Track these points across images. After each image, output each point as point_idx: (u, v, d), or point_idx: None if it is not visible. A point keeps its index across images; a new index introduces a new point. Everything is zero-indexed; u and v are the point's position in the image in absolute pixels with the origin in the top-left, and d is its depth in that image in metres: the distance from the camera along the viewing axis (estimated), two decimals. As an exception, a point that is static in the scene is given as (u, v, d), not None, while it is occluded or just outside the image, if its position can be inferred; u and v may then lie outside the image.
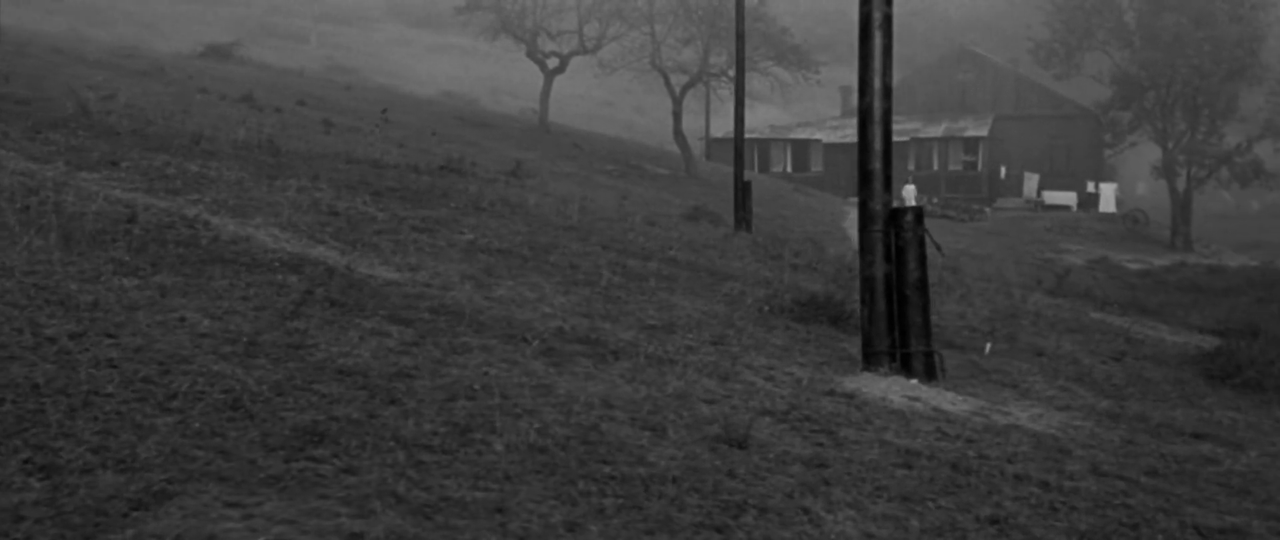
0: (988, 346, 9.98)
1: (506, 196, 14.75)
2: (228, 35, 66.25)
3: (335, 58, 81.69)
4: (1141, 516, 5.82)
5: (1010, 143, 54.61)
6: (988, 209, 51.23)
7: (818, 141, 55.31)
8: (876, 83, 8.00)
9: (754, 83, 50.65)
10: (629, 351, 7.64)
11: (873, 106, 8.03)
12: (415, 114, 48.85)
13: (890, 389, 7.85)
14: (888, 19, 8.01)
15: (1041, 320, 11.99)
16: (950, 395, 7.98)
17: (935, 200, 48.89)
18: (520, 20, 53.00)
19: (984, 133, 53.46)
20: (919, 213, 8.14)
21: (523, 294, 9.02)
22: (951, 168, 53.17)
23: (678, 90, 49.34)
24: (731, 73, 53.53)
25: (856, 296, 8.91)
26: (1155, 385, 9.61)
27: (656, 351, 7.76)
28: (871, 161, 8.03)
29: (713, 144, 57.77)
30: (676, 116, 49.57)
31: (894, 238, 8.03)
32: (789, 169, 55.54)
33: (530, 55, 53.69)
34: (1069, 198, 52.46)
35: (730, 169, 50.67)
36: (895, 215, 8.03)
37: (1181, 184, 48.12)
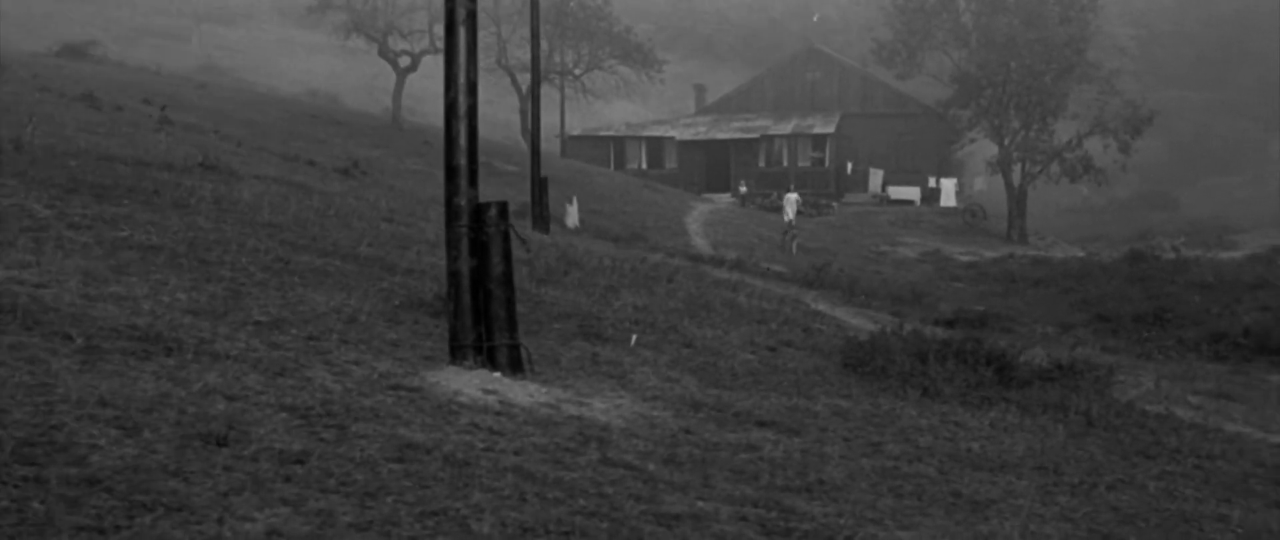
0: (634, 338, 10.05)
1: (228, 194, 14.45)
2: (106, 35, 64.07)
3: (214, 57, 79.84)
4: (610, 504, 5.85)
5: (857, 139, 55.65)
6: (835, 204, 52.05)
7: (671, 139, 55.62)
8: (461, 78, 7.96)
9: (598, 80, 50.90)
10: (191, 348, 7.49)
11: (458, 101, 7.98)
12: (265, 113, 48.01)
13: (469, 382, 7.82)
14: (472, 15, 7.97)
15: (731, 310, 12.10)
16: (532, 388, 7.98)
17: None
18: (371, 19, 52.82)
19: (831, 130, 54.40)
20: (503, 208, 8.14)
21: (135, 291, 8.80)
22: (800, 164, 53.97)
23: (525, 89, 49.41)
24: (577, 71, 53.90)
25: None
26: (785, 375, 9.73)
27: (224, 348, 7.62)
28: (457, 156, 7.99)
29: (569, 141, 57.77)
30: (524, 114, 49.72)
31: (479, 233, 8.01)
32: (644, 165, 55.81)
33: (382, 54, 53.43)
34: (913, 193, 53.65)
35: (583, 166, 50.86)
36: (479, 211, 8.02)
37: (1016, 178, 49.49)
